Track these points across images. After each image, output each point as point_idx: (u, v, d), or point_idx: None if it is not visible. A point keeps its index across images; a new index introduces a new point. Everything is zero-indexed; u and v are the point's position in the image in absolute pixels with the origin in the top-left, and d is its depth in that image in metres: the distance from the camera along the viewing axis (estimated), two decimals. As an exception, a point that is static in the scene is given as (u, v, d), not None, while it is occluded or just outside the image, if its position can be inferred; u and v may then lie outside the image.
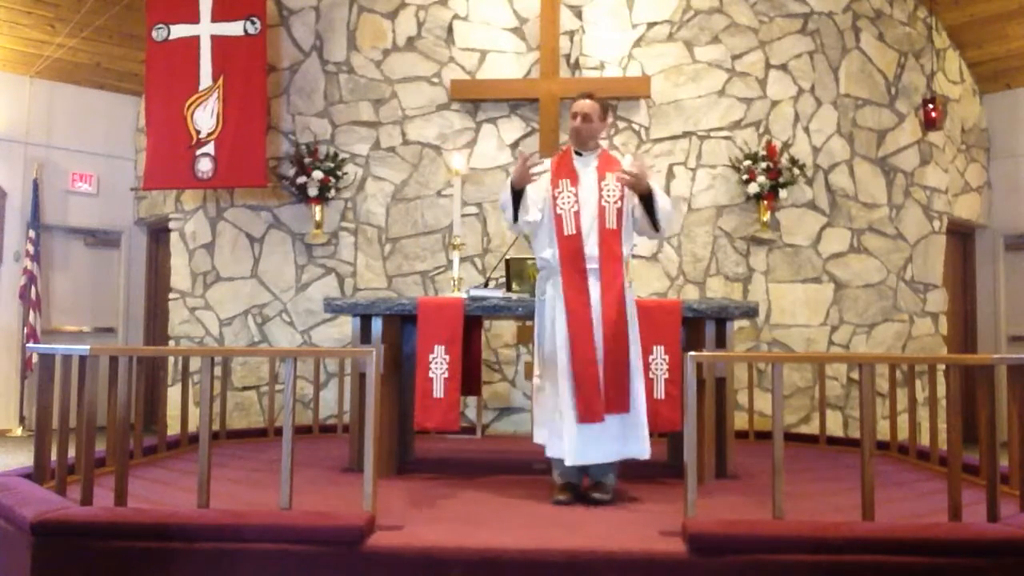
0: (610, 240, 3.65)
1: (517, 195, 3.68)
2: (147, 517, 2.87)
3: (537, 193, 3.73)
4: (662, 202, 3.69)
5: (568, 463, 3.52)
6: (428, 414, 4.10)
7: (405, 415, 4.52)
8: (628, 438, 3.59)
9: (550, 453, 3.64)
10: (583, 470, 3.66)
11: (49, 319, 7.59)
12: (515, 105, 6.66)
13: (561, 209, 3.68)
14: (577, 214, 3.66)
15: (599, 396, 3.51)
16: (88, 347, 3.31)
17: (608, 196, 3.69)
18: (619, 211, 3.68)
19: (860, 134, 6.74)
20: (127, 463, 3.26)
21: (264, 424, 6.03)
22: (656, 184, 3.74)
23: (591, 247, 3.64)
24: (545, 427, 3.67)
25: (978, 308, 7.68)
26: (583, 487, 3.67)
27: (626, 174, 3.61)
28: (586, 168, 3.75)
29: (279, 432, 5.01)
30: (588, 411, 3.50)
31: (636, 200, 3.70)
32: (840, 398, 6.51)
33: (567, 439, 3.52)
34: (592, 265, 3.63)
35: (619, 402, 3.55)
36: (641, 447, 3.62)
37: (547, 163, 3.80)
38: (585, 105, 3.76)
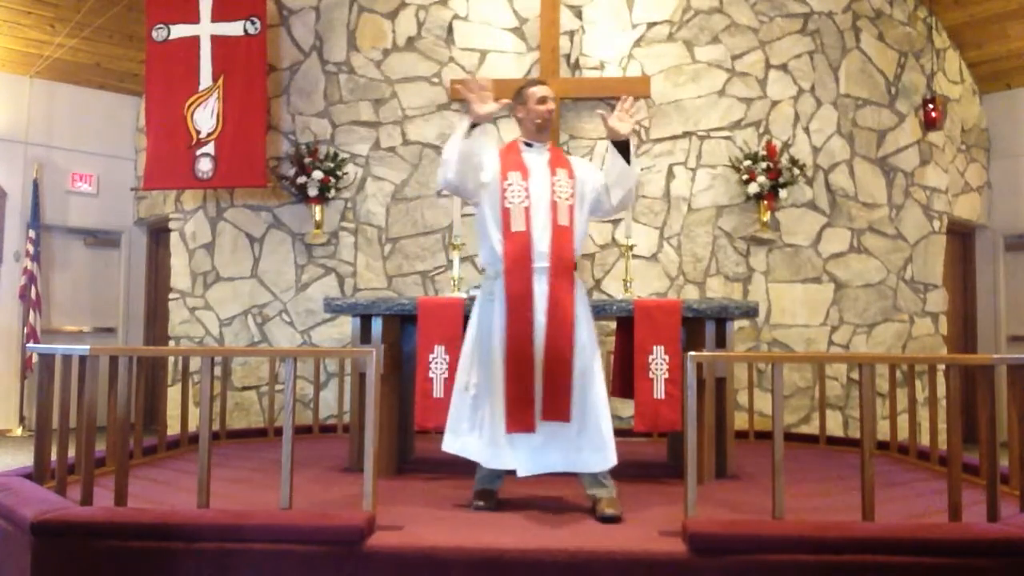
0: (562, 238, 3.40)
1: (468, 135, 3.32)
2: (147, 517, 2.87)
3: (487, 164, 3.45)
4: (632, 159, 3.45)
5: (521, 474, 3.31)
6: (428, 414, 4.09)
7: (405, 415, 4.52)
8: (583, 448, 3.32)
9: (484, 463, 3.41)
10: (502, 476, 3.48)
11: (49, 319, 7.59)
12: (515, 105, 6.66)
13: (510, 203, 3.40)
14: (527, 210, 3.39)
15: (532, 405, 3.29)
16: (88, 347, 3.31)
17: (560, 192, 3.44)
18: (571, 208, 3.44)
19: (860, 134, 6.74)
20: (127, 463, 3.26)
21: (264, 424, 6.03)
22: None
23: (542, 245, 3.38)
24: (471, 434, 3.41)
25: (978, 308, 7.68)
26: (592, 507, 3.36)
27: (621, 114, 3.37)
28: (537, 161, 3.51)
29: (279, 432, 5.00)
30: (518, 420, 3.29)
31: (609, 145, 3.44)
32: (840, 398, 6.51)
33: (520, 448, 3.32)
34: (541, 265, 3.36)
35: (558, 410, 3.30)
36: (599, 457, 3.31)
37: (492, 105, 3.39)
38: (551, 90, 3.50)
